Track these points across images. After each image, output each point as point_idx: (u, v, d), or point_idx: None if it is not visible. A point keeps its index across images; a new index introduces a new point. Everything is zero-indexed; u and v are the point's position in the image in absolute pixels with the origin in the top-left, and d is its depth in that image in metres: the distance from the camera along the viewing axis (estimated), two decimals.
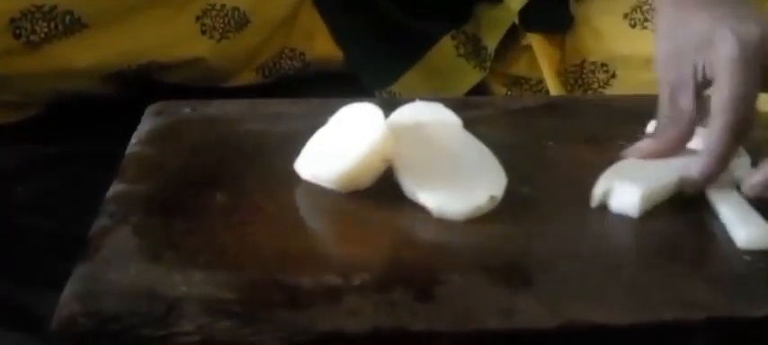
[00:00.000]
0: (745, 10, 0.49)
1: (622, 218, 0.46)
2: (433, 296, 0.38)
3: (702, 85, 0.49)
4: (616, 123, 0.59)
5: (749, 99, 0.46)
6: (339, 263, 0.40)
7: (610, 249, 0.44)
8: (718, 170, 0.47)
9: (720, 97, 0.46)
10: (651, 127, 0.54)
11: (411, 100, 0.55)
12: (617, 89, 0.78)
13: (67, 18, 0.65)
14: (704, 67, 0.48)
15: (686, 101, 0.49)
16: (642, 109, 0.57)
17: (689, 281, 0.40)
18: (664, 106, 0.50)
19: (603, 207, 0.47)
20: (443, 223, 0.45)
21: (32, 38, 0.64)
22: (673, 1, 0.52)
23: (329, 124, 0.50)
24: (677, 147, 0.50)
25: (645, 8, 0.74)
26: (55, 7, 0.64)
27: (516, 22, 0.76)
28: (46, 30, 0.64)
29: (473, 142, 0.51)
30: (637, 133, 0.55)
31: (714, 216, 0.47)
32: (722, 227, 0.45)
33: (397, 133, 0.47)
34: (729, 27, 0.47)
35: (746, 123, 0.46)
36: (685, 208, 0.47)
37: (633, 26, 0.75)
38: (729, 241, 0.44)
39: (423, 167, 0.47)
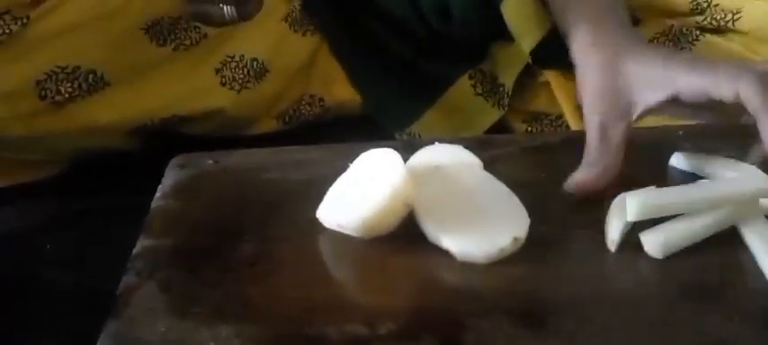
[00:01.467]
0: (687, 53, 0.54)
1: (646, 255, 0.46)
2: (459, 343, 0.38)
3: (637, 120, 0.53)
4: (638, 156, 0.59)
5: None
6: (364, 312, 0.40)
7: (634, 288, 0.44)
8: None
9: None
10: (675, 159, 0.54)
11: (430, 142, 0.55)
12: (638, 121, 0.77)
13: (90, 77, 0.66)
14: (637, 105, 0.53)
15: (617, 135, 0.53)
16: (664, 141, 0.56)
17: (716, 319, 0.40)
18: (592, 138, 0.53)
19: (624, 244, 0.46)
20: (466, 266, 0.45)
21: (57, 98, 0.66)
22: (599, 49, 0.56)
23: (349, 171, 0.50)
24: (608, 178, 0.52)
25: (661, 39, 0.74)
26: (78, 67, 0.66)
27: (529, 61, 0.76)
28: (70, 90, 0.66)
29: (494, 183, 0.51)
30: (660, 165, 0.55)
31: (743, 248, 0.46)
32: (752, 259, 0.45)
33: (417, 177, 0.48)
34: (738, 66, 0.50)
35: None
36: (712, 240, 0.47)
37: None
38: (760, 274, 0.43)
39: (444, 210, 0.47)
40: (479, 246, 0.45)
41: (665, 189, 0.49)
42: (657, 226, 0.46)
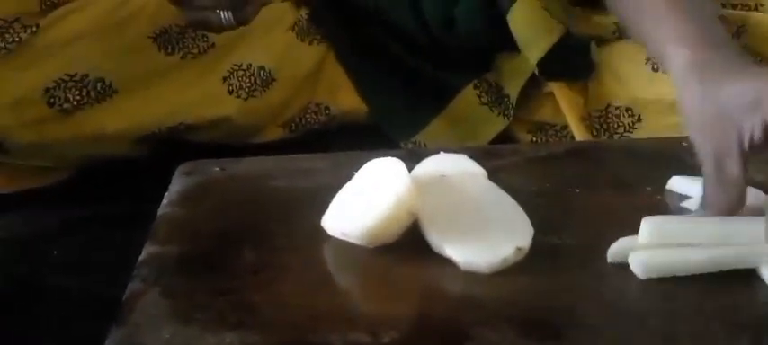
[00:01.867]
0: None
1: None
2: None
3: (752, 148, 0.47)
4: (643, 168, 0.59)
5: None
6: (368, 320, 0.40)
7: (637, 299, 0.44)
8: None
9: None
10: (676, 182, 0.53)
11: (435, 152, 0.56)
12: (643, 132, 0.77)
13: (99, 85, 0.67)
14: (753, 128, 0.46)
15: (734, 167, 0.47)
16: (669, 152, 0.56)
17: (718, 329, 0.40)
18: (710, 177, 0.48)
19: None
20: (470, 276, 0.45)
21: (65, 106, 0.66)
22: (698, 73, 0.50)
23: (354, 179, 0.50)
24: (731, 212, 0.47)
25: None
26: (87, 75, 0.66)
27: (536, 72, 0.77)
28: (78, 97, 0.66)
29: (498, 192, 0.51)
30: (664, 178, 0.55)
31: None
32: (757, 275, 0.45)
33: (421, 186, 0.48)
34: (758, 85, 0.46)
35: None
36: None
37: (656, 70, 0.75)
38: (763, 287, 0.44)
39: (448, 220, 0.48)
40: (483, 256, 0.45)
41: (683, 218, 0.49)
42: (650, 249, 0.45)
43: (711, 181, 0.48)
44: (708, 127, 0.48)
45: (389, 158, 0.49)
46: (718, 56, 0.50)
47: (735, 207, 0.47)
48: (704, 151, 0.48)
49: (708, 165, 0.48)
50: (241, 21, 0.62)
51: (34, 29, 0.63)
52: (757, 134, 0.46)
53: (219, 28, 0.62)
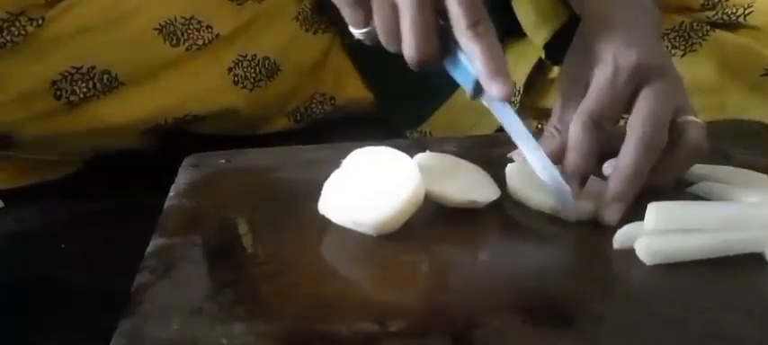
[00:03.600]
0: (642, 33, 0.52)
1: None
2: (470, 340, 0.38)
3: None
4: None
5: (611, 118, 0.51)
6: (375, 309, 0.40)
7: (643, 285, 0.44)
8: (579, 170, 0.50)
9: (579, 109, 0.50)
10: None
11: (440, 140, 0.55)
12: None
13: (105, 77, 0.67)
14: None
15: (570, 116, 0.51)
16: None
17: (726, 314, 0.40)
18: (554, 116, 0.53)
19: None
20: (476, 264, 0.45)
21: (72, 98, 0.66)
22: (588, 24, 0.55)
23: (347, 167, 0.51)
24: (556, 156, 0.51)
25: (672, 35, 0.74)
26: (93, 68, 0.66)
27: (542, 56, 0.76)
28: (84, 90, 0.67)
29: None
30: None
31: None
32: (760, 257, 0.45)
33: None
34: (612, 51, 0.51)
35: (602, 135, 0.50)
36: None
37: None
38: None
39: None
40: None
41: (689, 203, 0.49)
42: (656, 234, 0.45)
43: (554, 121, 0.53)
44: (567, 76, 0.55)
45: (382, 147, 0.50)
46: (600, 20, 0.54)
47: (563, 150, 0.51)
48: (558, 95, 0.54)
49: (555, 107, 0.54)
50: None
51: (40, 22, 0.63)
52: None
53: None
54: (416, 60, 0.49)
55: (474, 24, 0.47)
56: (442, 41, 0.49)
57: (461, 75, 0.50)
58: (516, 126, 0.50)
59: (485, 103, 0.51)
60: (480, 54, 0.47)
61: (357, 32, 0.53)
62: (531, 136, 0.49)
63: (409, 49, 0.49)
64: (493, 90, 0.48)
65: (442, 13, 0.49)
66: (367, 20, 0.51)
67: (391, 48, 0.51)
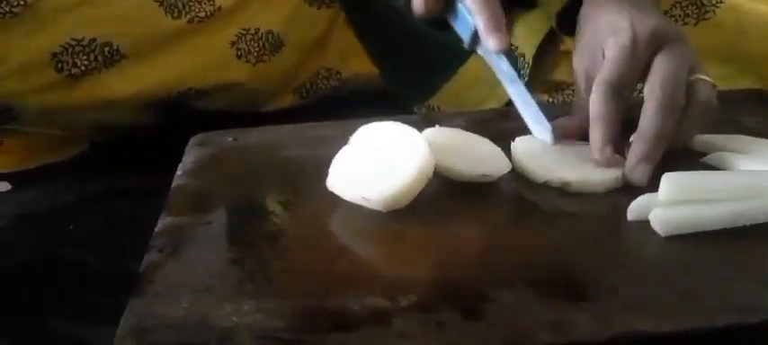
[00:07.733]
0: (648, 5, 0.54)
1: None
2: (481, 314, 0.37)
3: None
4: None
5: (630, 87, 0.52)
6: (385, 285, 0.40)
7: (658, 256, 0.43)
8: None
9: (597, 79, 0.51)
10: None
11: (451, 115, 0.55)
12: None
13: (107, 50, 0.67)
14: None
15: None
16: None
17: (742, 284, 0.39)
18: (579, 93, 0.55)
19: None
20: (486, 237, 0.45)
21: (74, 71, 0.66)
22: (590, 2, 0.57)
23: (356, 143, 0.50)
24: (582, 131, 0.53)
25: (684, 3, 0.73)
26: (94, 40, 0.66)
27: (553, 25, 0.75)
28: (86, 62, 0.66)
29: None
30: None
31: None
32: None
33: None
34: (629, 19, 0.52)
35: (622, 102, 0.51)
36: None
37: (675, 22, 0.74)
38: None
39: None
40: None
41: (703, 173, 0.49)
42: (670, 205, 0.45)
43: (580, 97, 0.55)
44: (582, 51, 0.56)
45: (390, 122, 0.50)
46: None
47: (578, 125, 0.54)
48: (578, 72, 0.56)
49: (579, 84, 0.56)
50: None
51: None
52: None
53: None
54: (423, 10, 0.55)
55: None
56: None
57: (461, 26, 0.56)
58: (507, 71, 0.55)
59: (479, 53, 0.56)
60: (479, 8, 0.52)
61: None
62: (518, 79, 0.55)
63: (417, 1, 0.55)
64: (490, 43, 0.53)
65: None
66: None
67: None
